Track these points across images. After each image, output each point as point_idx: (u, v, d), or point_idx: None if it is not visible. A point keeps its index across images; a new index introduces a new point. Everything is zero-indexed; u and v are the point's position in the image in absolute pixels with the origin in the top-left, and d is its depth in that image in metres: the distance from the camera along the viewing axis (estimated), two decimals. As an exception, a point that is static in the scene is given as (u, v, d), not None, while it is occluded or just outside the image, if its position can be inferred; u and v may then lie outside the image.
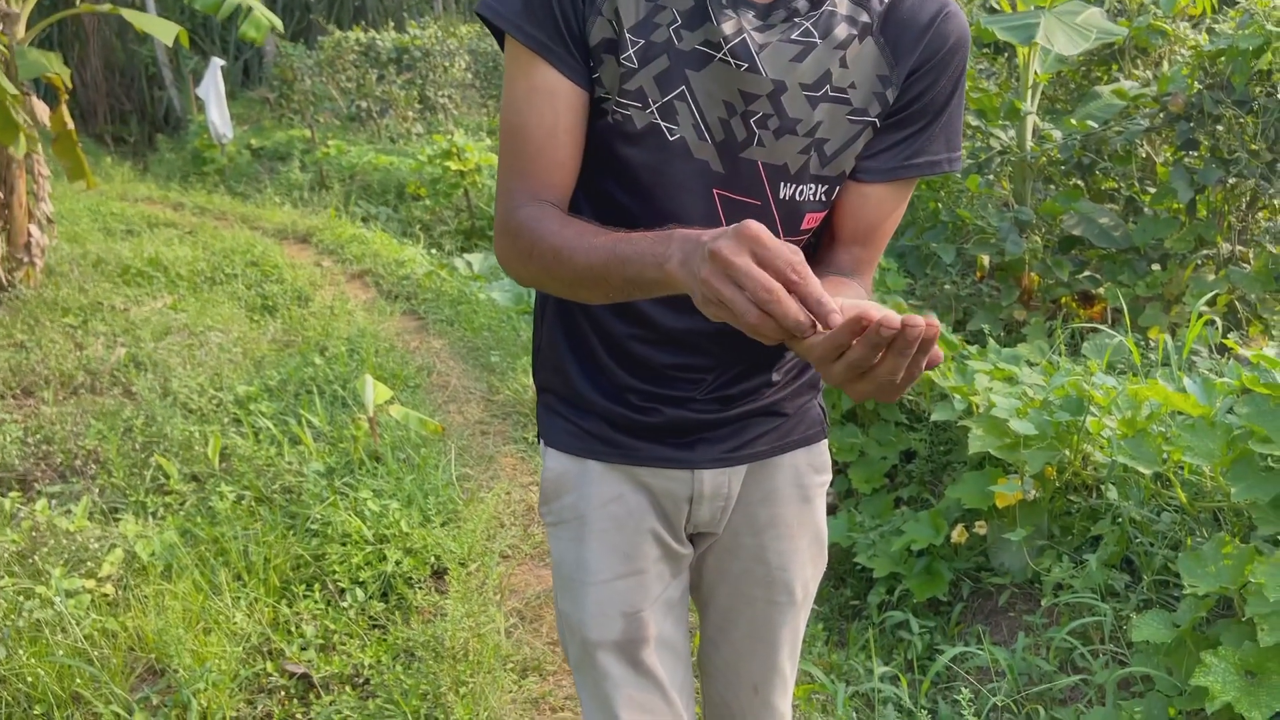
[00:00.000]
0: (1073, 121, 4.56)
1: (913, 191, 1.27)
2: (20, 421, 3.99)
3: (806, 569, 1.40)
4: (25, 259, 5.73)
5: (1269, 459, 2.32)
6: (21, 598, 2.62)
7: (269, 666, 2.52)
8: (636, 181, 1.15)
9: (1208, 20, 5.42)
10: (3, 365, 4.53)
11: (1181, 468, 2.52)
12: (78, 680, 2.41)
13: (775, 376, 1.30)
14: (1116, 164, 4.57)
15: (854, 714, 2.39)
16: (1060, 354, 3.60)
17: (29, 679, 2.38)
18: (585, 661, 1.32)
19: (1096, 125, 4.45)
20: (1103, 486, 2.67)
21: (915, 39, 1.13)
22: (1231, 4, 5.62)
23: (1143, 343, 3.60)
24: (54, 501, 3.31)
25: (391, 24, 14.79)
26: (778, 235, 1.15)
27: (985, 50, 5.22)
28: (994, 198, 4.87)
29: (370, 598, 2.82)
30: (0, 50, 5.14)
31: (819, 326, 0.83)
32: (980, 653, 2.49)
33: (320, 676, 2.50)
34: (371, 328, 5.30)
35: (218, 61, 10.57)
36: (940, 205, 5.00)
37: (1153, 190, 4.44)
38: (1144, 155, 4.59)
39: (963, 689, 2.30)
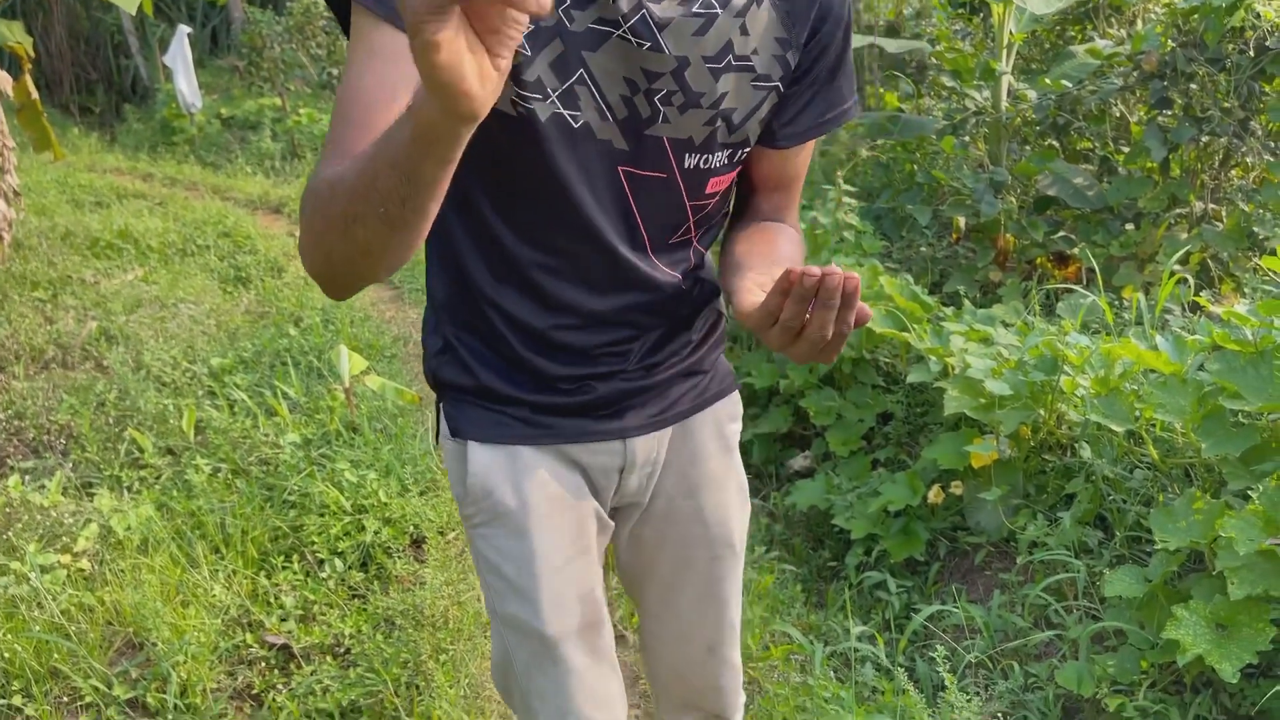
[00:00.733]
0: (1047, 81, 4.54)
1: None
2: (-9, 397, 3.95)
3: (739, 517, 1.42)
4: (-9, 233, 5.64)
5: (1239, 415, 2.34)
6: (-4, 574, 2.61)
7: (249, 638, 2.52)
8: (533, 171, 1.08)
9: (1182, -22, 5.40)
10: (-29, 341, 4.47)
11: (1154, 425, 2.55)
12: (55, 655, 2.40)
13: (694, 336, 1.31)
14: (1091, 124, 4.56)
15: (832, 673, 2.42)
16: (1035, 314, 3.61)
17: (6, 655, 2.37)
18: (542, 663, 1.26)
19: (1071, 85, 4.44)
20: (1076, 445, 2.69)
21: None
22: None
23: (1116, 302, 3.62)
24: (27, 477, 3.28)
25: (361, -12, 14.51)
26: (682, 202, 1.16)
27: (961, 10, 5.18)
28: (969, 159, 4.86)
29: (349, 568, 2.82)
30: (-42, 19, 5.03)
31: None
32: (956, 611, 2.52)
33: (300, 647, 2.51)
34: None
35: (184, 29, 10.33)
36: (916, 168, 4.99)
37: (1127, 149, 4.44)
38: (1118, 115, 4.59)
39: (939, 646, 2.33)
